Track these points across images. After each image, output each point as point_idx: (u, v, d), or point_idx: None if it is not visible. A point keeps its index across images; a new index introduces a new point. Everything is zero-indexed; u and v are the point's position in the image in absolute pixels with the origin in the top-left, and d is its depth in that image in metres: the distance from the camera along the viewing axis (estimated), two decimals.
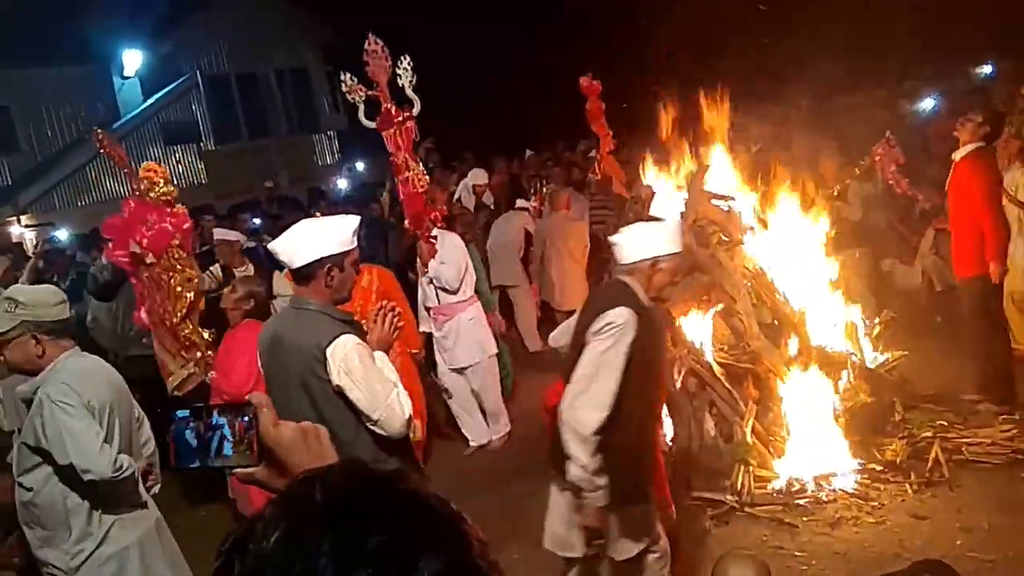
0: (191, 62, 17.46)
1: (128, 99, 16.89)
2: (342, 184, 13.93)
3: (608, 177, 9.06)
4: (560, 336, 3.65)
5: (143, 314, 5.51)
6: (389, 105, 5.86)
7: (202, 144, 17.31)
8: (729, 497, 4.80)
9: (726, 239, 5.66)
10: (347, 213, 3.24)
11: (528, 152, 13.13)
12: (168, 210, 5.36)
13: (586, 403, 3.07)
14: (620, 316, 3.09)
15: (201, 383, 5.41)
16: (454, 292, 6.15)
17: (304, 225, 3.09)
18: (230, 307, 4.94)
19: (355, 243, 3.09)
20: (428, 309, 6.36)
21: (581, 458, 3.06)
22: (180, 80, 17.34)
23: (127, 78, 16.82)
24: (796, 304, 5.55)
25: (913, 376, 5.92)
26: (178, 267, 5.37)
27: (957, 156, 5.65)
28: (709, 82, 6.29)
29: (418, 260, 6.20)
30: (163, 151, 16.31)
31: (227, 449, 1.23)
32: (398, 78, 5.82)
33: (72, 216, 14.16)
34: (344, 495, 0.74)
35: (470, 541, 0.74)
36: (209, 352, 5.44)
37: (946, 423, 5.28)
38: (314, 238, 3.00)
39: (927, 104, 11.63)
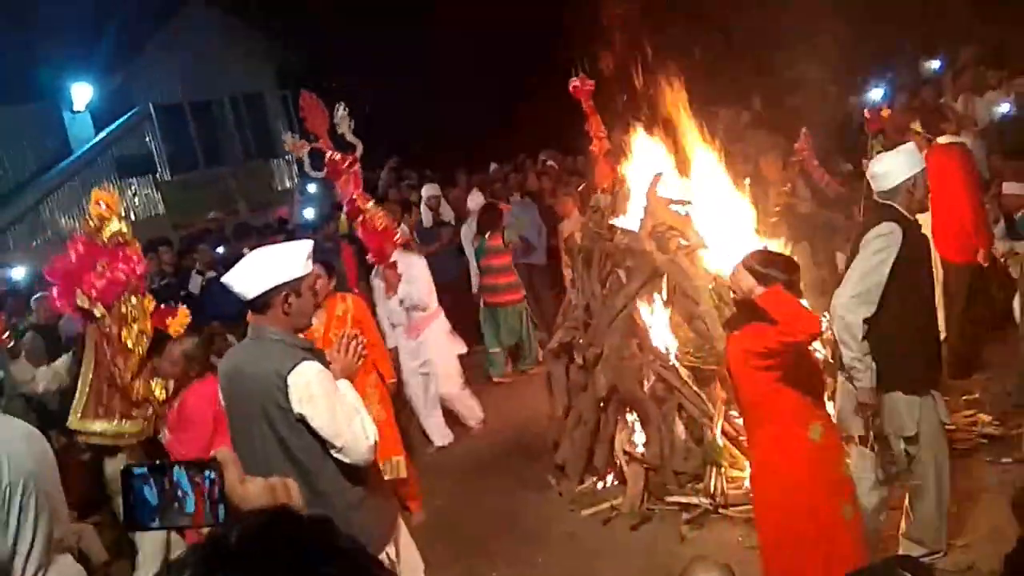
0: (143, 93, 17.21)
1: (79, 134, 16.58)
2: (308, 214, 13.70)
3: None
4: None
5: None
6: (333, 154, 6.01)
7: (157, 175, 17.06)
8: (703, 500, 4.81)
9: (685, 243, 5.70)
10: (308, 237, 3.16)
11: (493, 165, 13.10)
12: (120, 253, 4.73)
13: (856, 298, 3.64)
14: (888, 228, 3.70)
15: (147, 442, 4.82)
16: (425, 309, 6.45)
17: (256, 254, 3.06)
18: (170, 373, 4.58)
19: (310, 267, 3.07)
20: (393, 325, 6.64)
21: (851, 344, 3.64)
22: (132, 112, 17.09)
23: (77, 112, 16.54)
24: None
25: None
26: (131, 318, 4.76)
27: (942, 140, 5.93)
28: (664, 81, 6.30)
29: (381, 284, 6.43)
30: (118, 184, 16.01)
31: (189, 507, 1.19)
32: (336, 127, 5.98)
33: (26, 257, 13.83)
34: (257, 540, 0.73)
35: None
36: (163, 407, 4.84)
37: None
38: (267, 266, 2.98)
39: (876, 97, 11.83)
